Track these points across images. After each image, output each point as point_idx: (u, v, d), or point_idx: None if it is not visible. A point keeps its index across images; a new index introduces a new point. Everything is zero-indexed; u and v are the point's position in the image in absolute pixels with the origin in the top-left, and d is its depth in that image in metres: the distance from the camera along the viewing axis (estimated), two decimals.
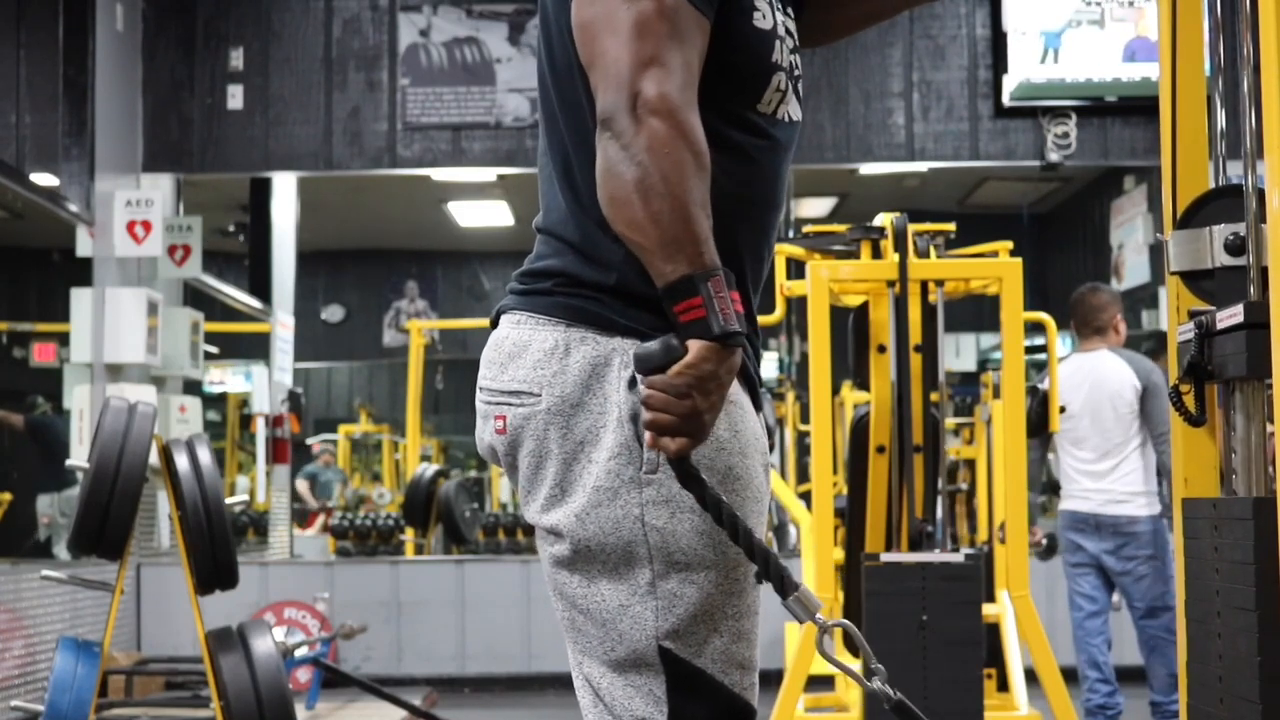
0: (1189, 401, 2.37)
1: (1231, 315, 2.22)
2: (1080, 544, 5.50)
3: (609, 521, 1.71)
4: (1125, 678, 5.76)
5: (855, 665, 1.75)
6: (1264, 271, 2.16)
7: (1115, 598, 5.60)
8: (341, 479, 12.01)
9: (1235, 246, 2.31)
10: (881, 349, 4.81)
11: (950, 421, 7.14)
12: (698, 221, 1.63)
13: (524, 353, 1.76)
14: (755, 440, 1.77)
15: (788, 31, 1.83)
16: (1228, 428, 2.32)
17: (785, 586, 1.68)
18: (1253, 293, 2.24)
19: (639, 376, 1.66)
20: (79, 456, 5.99)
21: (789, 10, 1.87)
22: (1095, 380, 5.46)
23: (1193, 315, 2.36)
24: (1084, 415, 5.48)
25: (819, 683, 5.59)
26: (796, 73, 1.85)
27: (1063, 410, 5.42)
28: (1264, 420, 2.28)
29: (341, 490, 11.92)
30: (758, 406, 1.82)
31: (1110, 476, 5.40)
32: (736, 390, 1.76)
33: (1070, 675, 4.79)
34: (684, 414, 1.61)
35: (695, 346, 1.61)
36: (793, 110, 1.84)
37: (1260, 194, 2.15)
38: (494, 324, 1.84)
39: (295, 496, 9.89)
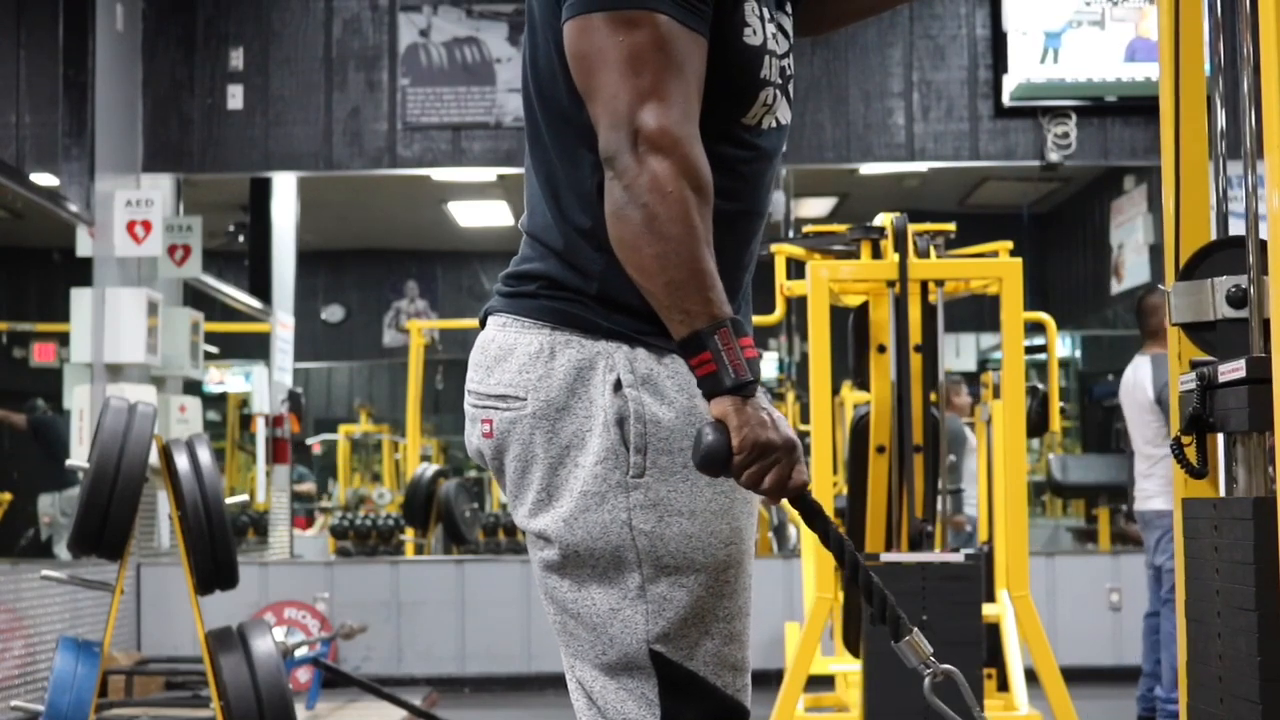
0: (1190, 454, 2.38)
1: (1234, 370, 2.22)
2: (1145, 543, 5.53)
3: (597, 526, 1.71)
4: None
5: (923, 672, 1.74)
6: (1266, 324, 2.16)
7: None
8: (307, 477, 11.89)
9: (1237, 299, 2.31)
10: (881, 349, 4.81)
11: (967, 419, 7.14)
12: (702, 261, 1.64)
13: (509, 356, 1.76)
14: None
15: (781, 34, 1.82)
16: (1229, 480, 2.33)
17: (899, 629, 1.70)
18: (1255, 347, 2.25)
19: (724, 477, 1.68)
20: (79, 456, 5.98)
21: (786, 6, 1.86)
22: (1133, 389, 5.49)
23: (1194, 366, 2.36)
24: (1132, 421, 5.51)
25: (819, 683, 5.58)
26: (788, 75, 1.84)
27: (1062, 411, 5.43)
28: (1265, 473, 2.28)
29: (326, 488, 11.89)
30: None
31: (1149, 476, 5.43)
32: None
33: (1070, 675, 4.78)
34: (772, 460, 1.63)
35: (722, 407, 1.63)
36: (781, 116, 1.83)
37: (1262, 245, 2.15)
38: (482, 325, 1.84)
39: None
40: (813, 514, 1.69)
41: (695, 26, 1.68)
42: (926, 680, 1.72)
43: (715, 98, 1.73)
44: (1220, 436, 2.39)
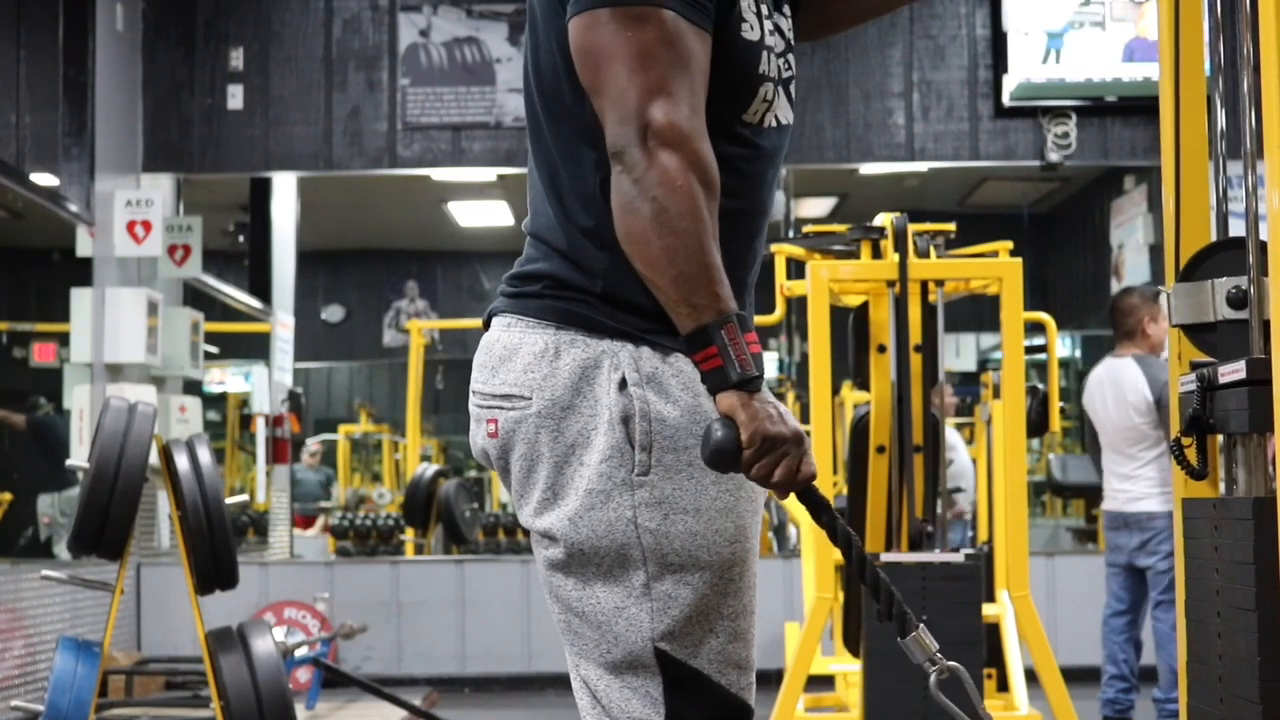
0: (1191, 455, 2.38)
1: (1234, 371, 2.22)
2: (1116, 544, 5.54)
3: (602, 524, 1.71)
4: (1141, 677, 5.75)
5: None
6: (1266, 325, 2.16)
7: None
8: (323, 479, 11.88)
9: (1237, 300, 2.31)
10: (881, 349, 4.81)
11: (951, 421, 7.14)
12: (710, 255, 1.65)
13: (514, 356, 1.76)
14: None
15: (779, 33, 1.82)
16: (1229, 481, 2.33)
17: (906, 626, 1.71)
18: (1255, 348, 2.24)
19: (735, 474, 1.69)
20: (79, 456, 5.98)
21: (784, 8, 1.86)
22: (1116, 389, 5.48)
23: (1194, 367, 2.36)
24: (1110, 421, 5.50)
25: (819, 683, 5.58)
26: (787, 74, 1.84)
27: (1062, 411, 5.43)
28: (1265, 474, 2.28)
29: (326, 491, 11.88)
30: None
31: (1133, 477, 5.42)
32: None
33: (1070, 675, 4.79)
34: (782, 452, 1.63)
35: (729, 402, 1.64)
36: (782, 114, 1.83)
37: (1262, 246, 2.15)
38: (486, 326, 1.84)
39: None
40: (819, 508, 1.69)
41: (700, 22, 1.69)
42: (932, 677, 1.72)
43: (716, 94, 1.73)
44: (1220, 438, 2.39)
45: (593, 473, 1.71)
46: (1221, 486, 2.43)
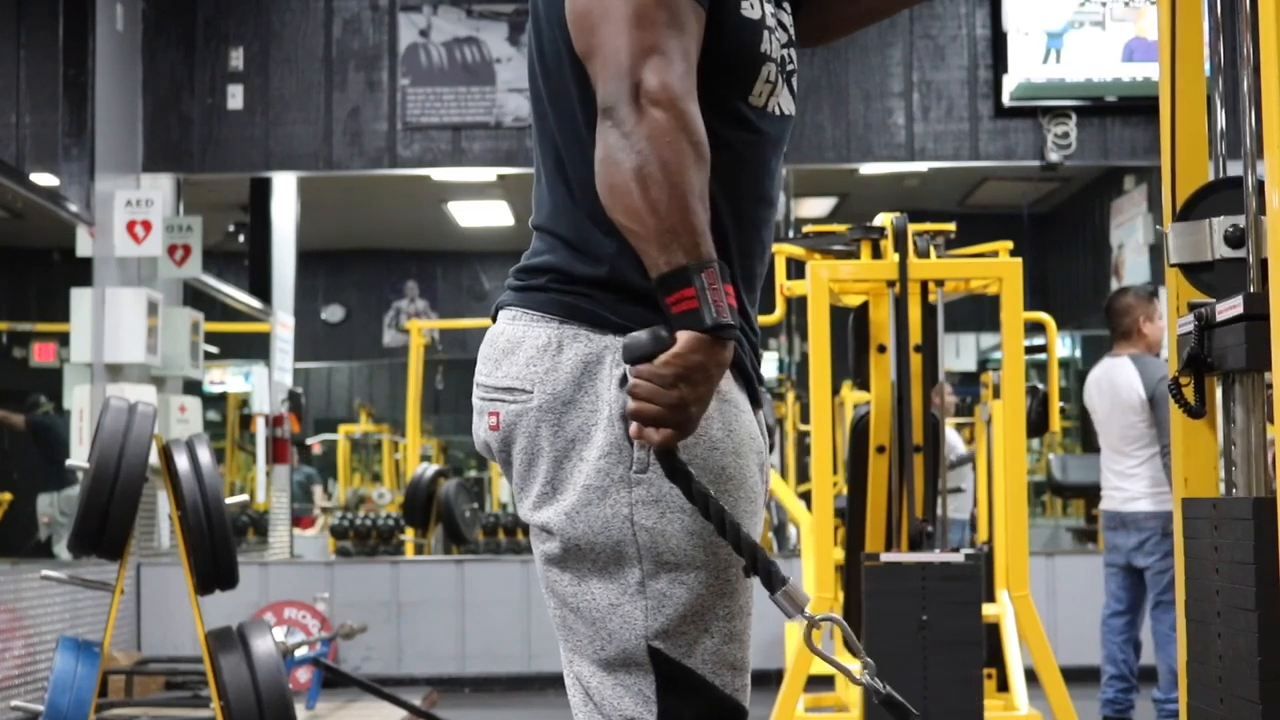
0: (1189, 394, 2.37)
1: (1231, 307, 2.22)
2: (1114, 543, 5.54)
3: (598, 520, 1.71)
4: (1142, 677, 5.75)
5: (854, 665, 1.74)
6: (1264, 264, 2.15)
7: None
8: (302, 479, 11.83)
9: (1235, 239, 2.30)
10: (881, 349, 4.81)
11: (950, 421, 7.14)
12: (695, 212, 1.63)
13: (517, 349, 1.76)
14: (750, 440, 1.77)
15: (779, 24, 1.83)
16: (1227, 420, 2.32)
17: (773, 581, 1.66)
18: (1252, 285, 2.24)
19: (626, 366, 1.65)
20: (79, 456, 5.98)
21: (784, 6, 1.86)
22: (1112, 389, 5.49)
23: (1192, 307, 2.36)
24: (1107, 420, 5.51)
25: (819, 683, 5.59)
26: (790, 66, 1.85)
27: (1062, 411, 5.44)
28: (1264, 413, 2.27)
29: (325, 490, 11.87)
30: (757, 405, 1.81)
31: (1129, 476, 5.43)
32: (732, 389, 1.76)
33: (1070, 675, 4.79)
34: (670, 404, 1.61)
35: (685, 337, 1.61)
36: (784, 104, 1.84)
37: (1260, 186, 2.15)
38: (493, 320, 1.84)
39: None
40: (674, 472, 1.64)
41: None
42: (804, 627, 1.69)
43: (719, 76, 1.74)
44: (1219, 381, 2.37)
45: (591, 468, 1.71)
46: (1222, 487, 2.42)
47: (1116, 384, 5.47)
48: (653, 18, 1.66)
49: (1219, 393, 2.36)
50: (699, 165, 1.65)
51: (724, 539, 1.67)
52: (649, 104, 1.63)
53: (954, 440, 7.63)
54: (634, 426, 1.63)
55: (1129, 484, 5.45)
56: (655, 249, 1.63)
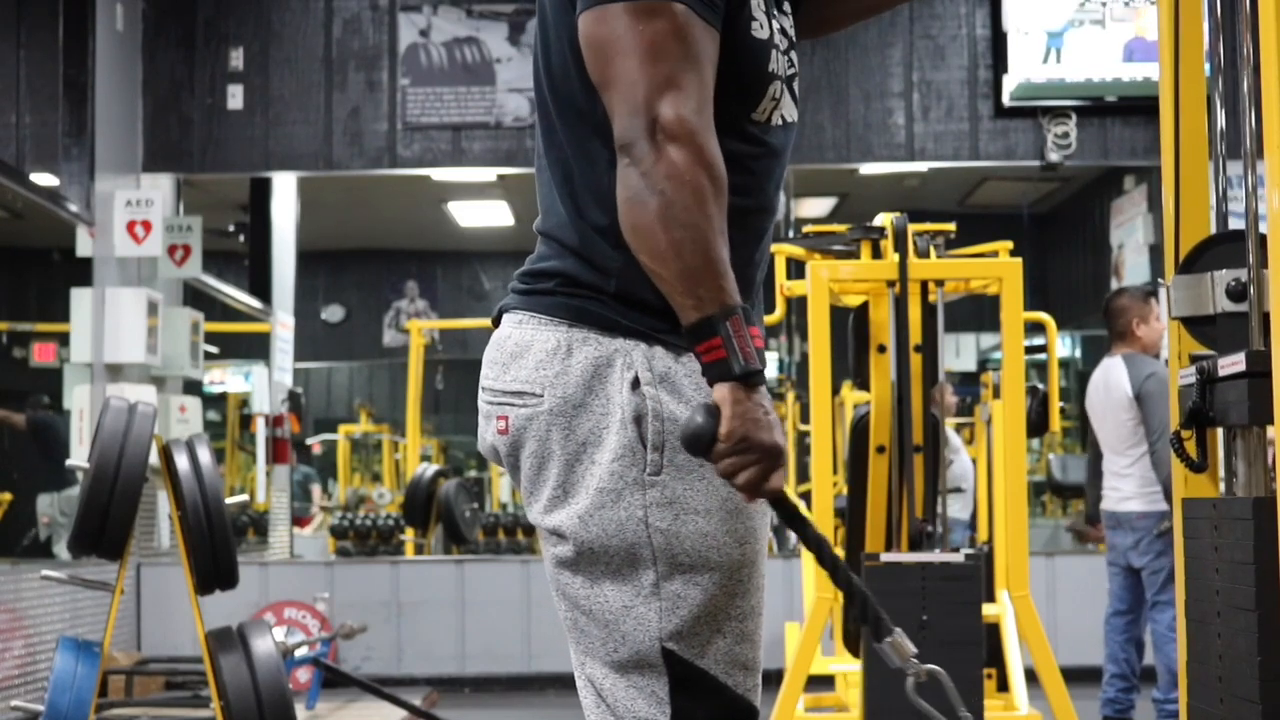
0: (1190, 448, 2.37)
1: (1233, 363, 2.22)
2: (1114, 543, 5.55)
3: (612, 523, 1.71)
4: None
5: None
6: (1266, 318, 2.16)
7: None
8: (300, 478, 11.81)
9: (1237, 292, 2.31)
10: (881, 349, 4.81)
11: (950, 421, 7.14)
12: (717, 250, 1.64)
13: (526, 353, 1.76)
14: None
15: (783, 34, 1.83)
16: (1229, 474, 2.33)
17: (880, 630, 1.70)
18: (1255, 340, 2.24)
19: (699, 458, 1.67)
20: (79, 456, 5.98)
21: (785, 6, 1.86)
22: (1105, 389, 5.51)
23: (1194, 360, 2.36)
24: (1103, 421, 5.52)
25: (819, 683, 5.59)
26: (791, 72, 1.85)
27: (1062, 411, 5.44)
28: (1265, 467, 2.28)
29: (324, 490, 11.84)
30: None
31: (1124, 475, 5.44)
32: None
33: (1070, 675, 4.78)
34: (754, 459, 1.63)
35: (723, 395, 1.63)
36: (787, 113, 1.84)
37: (1262, 240, 2.15)
38: (496, 323, 1.84)
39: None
40: (790, 516, 1.69)
41: (710, 20, 1.69)
42: (910, 680, 1.72)
43: (725, 93, 1.73)
44: (1220, 432, 2.39)
45: (604, 471, 1.71)
46: (1222, 486, 2.43)
47: (1109, 384, 5.50)
48: (669, 50, 1.66)
49: (1220, 446, 2.37)
50: (718, 199, 1.66)
51: (836, 585, 1.71)
52: (666, 140, 1.64)
53: (956, 442, 7.63)
54: (744, 495, 1.66)
55: (1123, 484, 5.46)
56: (680, 294, 1.64)
